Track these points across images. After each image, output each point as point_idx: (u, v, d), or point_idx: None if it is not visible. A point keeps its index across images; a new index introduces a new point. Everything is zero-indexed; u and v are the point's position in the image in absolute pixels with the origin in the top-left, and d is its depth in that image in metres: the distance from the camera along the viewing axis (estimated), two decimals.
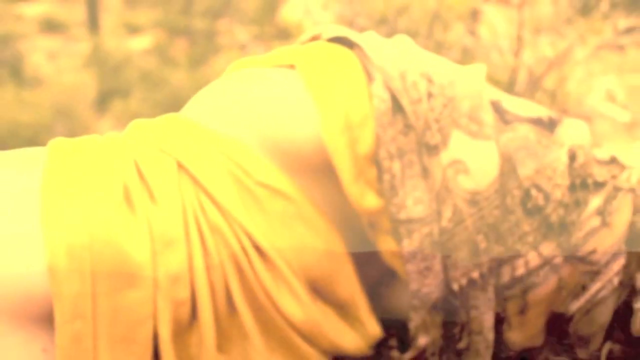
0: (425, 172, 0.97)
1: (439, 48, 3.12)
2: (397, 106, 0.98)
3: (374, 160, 0.97)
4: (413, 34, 3.16)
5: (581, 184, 0.99)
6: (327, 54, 1.05)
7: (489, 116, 0.99)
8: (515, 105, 1.05)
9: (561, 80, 3.15)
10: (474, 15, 3.90)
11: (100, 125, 9.10)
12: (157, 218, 0.93)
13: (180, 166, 0.97)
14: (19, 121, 8.19)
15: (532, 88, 3.05)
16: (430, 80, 1.01)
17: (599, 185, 1.00)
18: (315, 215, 0.98)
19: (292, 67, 1.04)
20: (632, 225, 1.00)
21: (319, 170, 0.99)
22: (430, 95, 1.00)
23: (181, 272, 0.92)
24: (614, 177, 1.01)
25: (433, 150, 0.97)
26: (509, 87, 2.91)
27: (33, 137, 8.27)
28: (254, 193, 0.97)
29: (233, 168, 0.97)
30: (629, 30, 3.80)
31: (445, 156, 0.97)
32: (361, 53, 1.03)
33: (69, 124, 8.48)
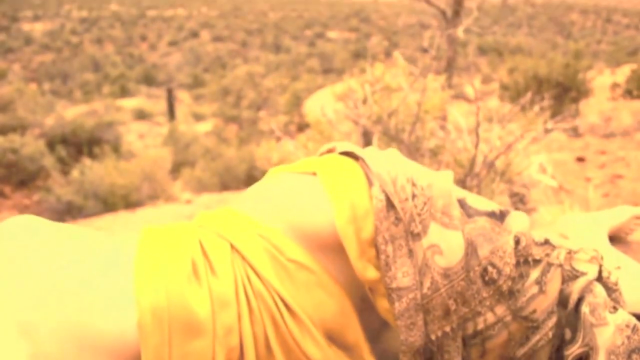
0: (411, 253, 0.97)
1: (419, 140, 3.14)
2: (390, 204, 0.98)
3: (374, 243, 0.97)
4: (400, 130, 3.18)
5: (524, 261, 0.98)
6: (339, 165, 1.05)
7: (456, 211, 0.99)
8: (475, 201, 1.05)
9: (508, 164, 3.15)
10: (444, 116, 3.93)
11: (174, 187, 9.14)
12: (216, 286, 0.92)
13: (232, 247, 0.98)
14: (116, 183, 8.26)
15: (487, 168, 3.04)
16: (414, 184, 1.01)
17: (537, 262, 0.99)
18: (331, 282, 0.98)
19: (314, 174, 1.05)
20: (561, 291, 0.98)
21: (332, 250, 0.98)
22: (414, 195, 1.00)
23: (233, 325, 0.91)
24: (547, 255, 1.00)
25: (416, 237, 0.97)
26: (470, 168, 2.90)
27: (126, 195, 8.33)
28: (285, 267, 0.96)
29: (270, 248, 0.97)
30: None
31: (425, 241, 0.97)
32: (364, 164, 1.04)
33: (152, 186, 8.54)
